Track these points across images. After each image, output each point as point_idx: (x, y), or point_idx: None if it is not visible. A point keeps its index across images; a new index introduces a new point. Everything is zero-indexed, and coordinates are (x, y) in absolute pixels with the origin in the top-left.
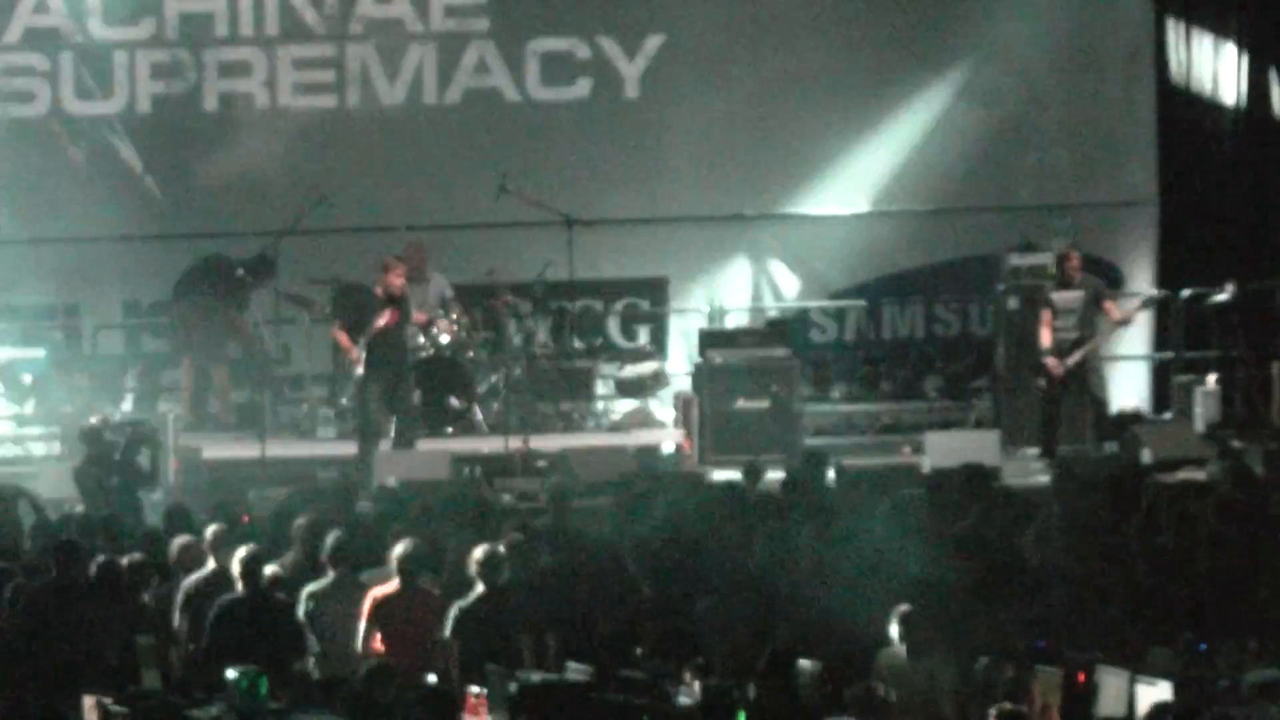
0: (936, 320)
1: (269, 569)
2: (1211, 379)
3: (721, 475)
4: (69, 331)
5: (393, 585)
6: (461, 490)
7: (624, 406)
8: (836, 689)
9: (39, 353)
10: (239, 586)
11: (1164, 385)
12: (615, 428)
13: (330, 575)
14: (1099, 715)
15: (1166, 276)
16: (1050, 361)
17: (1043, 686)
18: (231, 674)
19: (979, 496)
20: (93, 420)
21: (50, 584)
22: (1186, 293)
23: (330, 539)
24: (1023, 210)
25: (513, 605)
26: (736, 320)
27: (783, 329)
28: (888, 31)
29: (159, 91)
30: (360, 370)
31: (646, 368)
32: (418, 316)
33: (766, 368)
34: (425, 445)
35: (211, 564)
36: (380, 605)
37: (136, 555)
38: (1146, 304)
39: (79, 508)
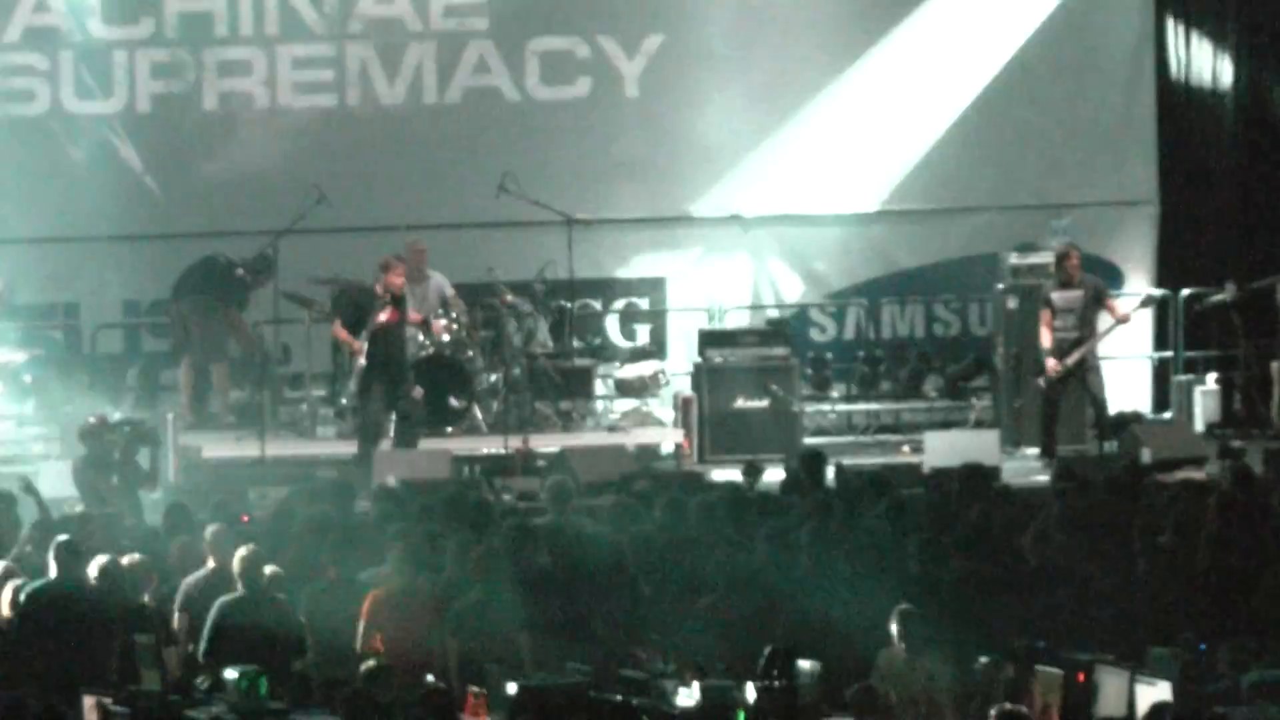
0: (936, 320)
1: (269, 569)
2: (1211, 379)
3: (721, 475)
4: (69, 331)
5: (392, 585)
6: (461, 490)
7: (623, 406)
8: (836, 689)
9: (39, 352)
10: (239, 586)
11: (1164, 385)
12: (615, 428)
13: (330, 575)
14: (1099, 715)
15: (1166, 276)
16: (1050, 362)
17: (1043, 686)
18: (231, 674)
19: (979, 496)
20: (92, 420)
21: (50, 584)
22: (1186, 292)
23: (330, 539)
24: (1023, 210)
25: (513, 605)
26: (736, 320)
27: (783, 329)
28: (887, 31)
29: (159, 91)
30: (362, 361)
31: (646, 367)
32: (414, 316)
33: (766, 368)
34: (425, 445)
35: (211, 564)
36: (380, 605)
37: (136, 555)
38: (1146, 303)
39: (79, 507)
